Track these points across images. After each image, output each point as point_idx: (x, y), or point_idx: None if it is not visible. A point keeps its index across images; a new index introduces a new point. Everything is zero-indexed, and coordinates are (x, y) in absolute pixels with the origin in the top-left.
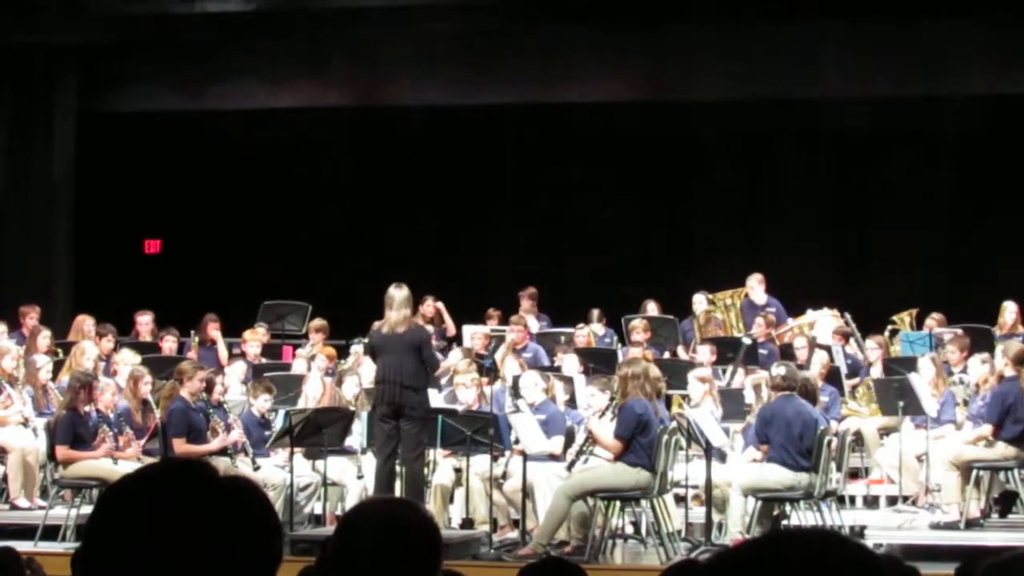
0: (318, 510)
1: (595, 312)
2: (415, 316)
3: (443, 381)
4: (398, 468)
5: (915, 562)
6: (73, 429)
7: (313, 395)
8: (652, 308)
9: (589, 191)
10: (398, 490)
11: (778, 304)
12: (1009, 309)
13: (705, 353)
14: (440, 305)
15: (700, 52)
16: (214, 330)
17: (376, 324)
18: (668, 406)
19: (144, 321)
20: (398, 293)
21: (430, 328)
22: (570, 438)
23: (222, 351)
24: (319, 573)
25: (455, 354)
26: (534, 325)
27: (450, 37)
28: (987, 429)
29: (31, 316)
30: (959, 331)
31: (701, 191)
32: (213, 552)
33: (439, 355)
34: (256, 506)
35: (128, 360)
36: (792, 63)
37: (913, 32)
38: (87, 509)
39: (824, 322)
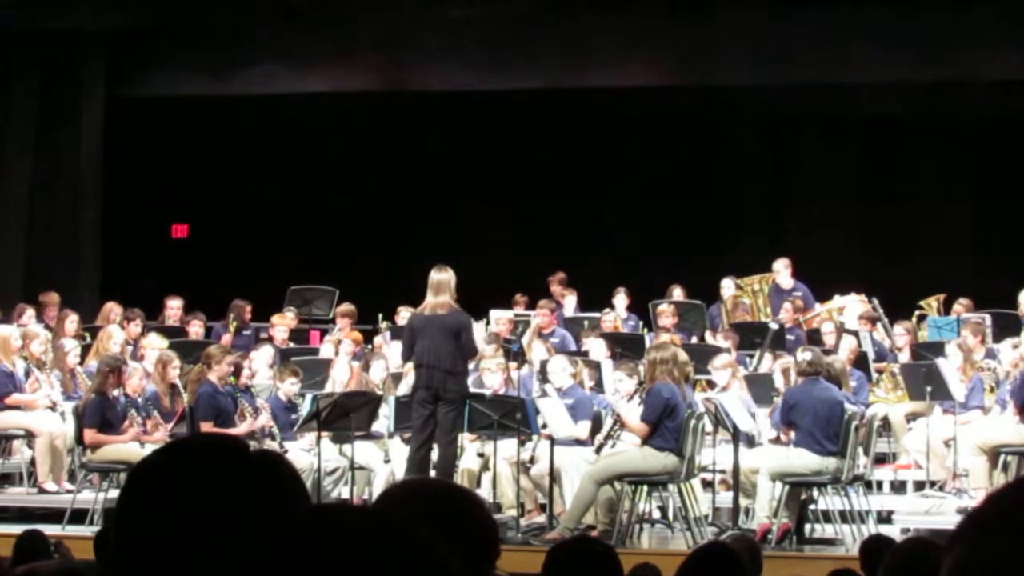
0: (345, 494)
1: (621, 294)
2: None
3: (471, 366)
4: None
5: None
6: (101, 413)
7: (340, 379)
8: (678, 293)
9: (615, 176)
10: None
11: (805, 289)
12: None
13: (722, 343)
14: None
15: (727, 37)
16: (247, 314)
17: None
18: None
19: (174, 306)
20: (439, 275)
21: None
22: (597, 423)
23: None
24: None
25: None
26: (570, 306)
27: (477, 22)
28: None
29: (51, 307)
30: (986, 317)
31: (728, 176)
32: (243, 525)
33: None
34: (287, 479)
35: (155, 344)
36: (819, 48)
37: (940, 16)
38: (115, 493)
39: (853, 307)
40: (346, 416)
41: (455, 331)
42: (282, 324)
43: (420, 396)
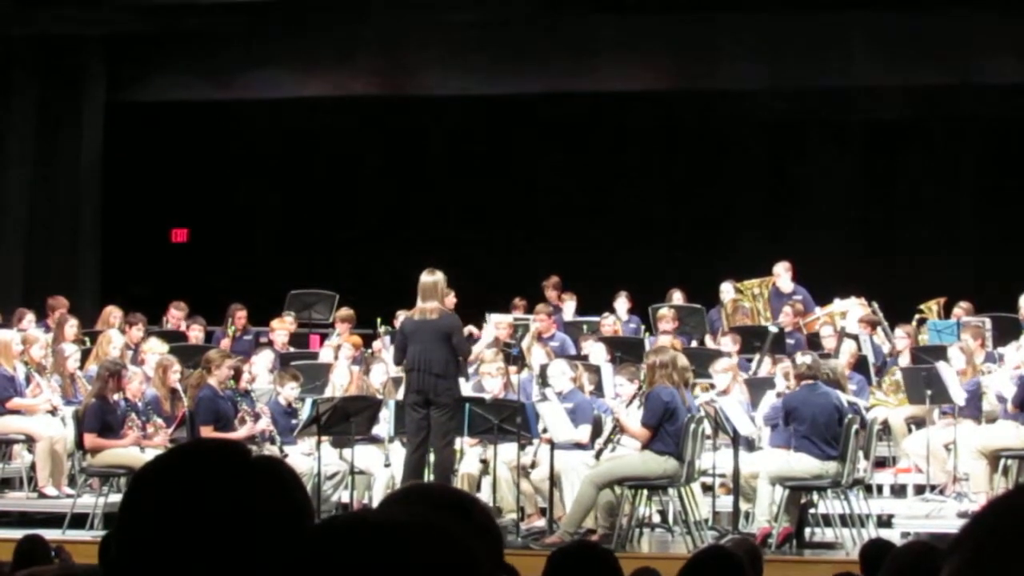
0: (345, 499)
1: (622, 298)
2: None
3: (471, 370)
4: (428, 457)
5: None
6: (101, 417)
7: (340, 383)
8: (678, 297)
9: (616, 180)
10: (427, 479)
11: (805, 293)
12: None
13: (728, 344)
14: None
15: (727, 40)
16: (242, 320)
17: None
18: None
19: (177, 315)
20: (429, 279)
21: None
22: (597, 427)
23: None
24: None
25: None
26: (568, 311)
27: (477, 26)
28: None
29: (60, 310)
30: (985, 320)
31: (728, 180)
32: (245, 530)
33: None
34: (288, 485)
35: (155, 349)
36: (819, 52)
37: (940, 21)
38: (115, 497)
39: (853, 311)
40: (346, 420)
41: (446, 334)
42: (282, 328)
43: (412, 400)
